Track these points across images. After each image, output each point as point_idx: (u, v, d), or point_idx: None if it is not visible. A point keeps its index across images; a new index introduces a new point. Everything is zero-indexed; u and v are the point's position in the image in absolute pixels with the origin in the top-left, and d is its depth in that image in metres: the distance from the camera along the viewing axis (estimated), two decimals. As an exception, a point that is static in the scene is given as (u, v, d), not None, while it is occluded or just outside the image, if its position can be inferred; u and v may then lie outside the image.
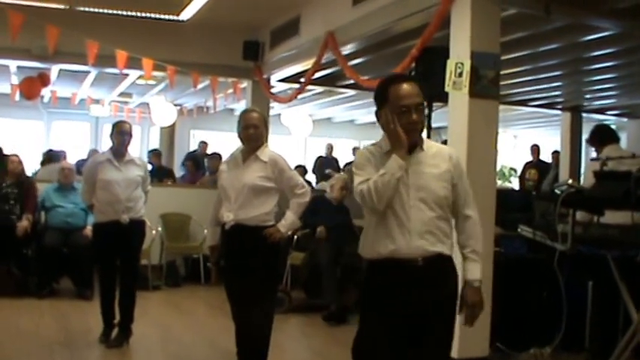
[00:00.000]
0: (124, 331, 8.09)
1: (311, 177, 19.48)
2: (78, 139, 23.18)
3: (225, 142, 20.04)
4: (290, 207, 6.63)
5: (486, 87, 7.28)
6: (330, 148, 21.17)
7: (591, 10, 8.16)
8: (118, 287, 8.14)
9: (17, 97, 15.19)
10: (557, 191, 7.53)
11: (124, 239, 8.01)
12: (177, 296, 11.42)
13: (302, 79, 11.71)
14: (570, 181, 8.40)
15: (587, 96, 14.90)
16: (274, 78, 13.06)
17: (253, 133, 6.47)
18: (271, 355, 6.65)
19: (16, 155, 11.12)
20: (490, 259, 7.39)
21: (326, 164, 19.03)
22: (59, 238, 10.51)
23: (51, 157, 14.23)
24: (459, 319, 4.53)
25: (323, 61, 10.53)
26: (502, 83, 11.82)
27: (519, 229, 8.10)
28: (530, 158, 17.67)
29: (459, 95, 7.35)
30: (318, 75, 11.72)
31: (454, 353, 7.28)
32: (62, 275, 10.93)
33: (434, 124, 9.13)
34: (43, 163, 13.97)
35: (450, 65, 7.40)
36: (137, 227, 8.21)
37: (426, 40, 7.91)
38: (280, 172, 6.47)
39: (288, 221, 6.57)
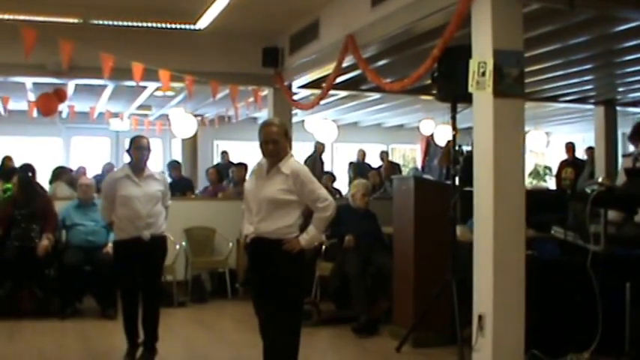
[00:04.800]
0: (149, 350, 7.94)
1: (344, 184, 19.36)
2: (98, 155, 23.07)
3: (249, 152, 19.90)
4: (312, 221, 6.44)
5: (511, 86, 7.06)
6: (363, 153, 20.88)
7: (616, 1, 7.92)
8: (141, 305, 7.96)
9: (35, 113, 15.09)
10: (588, 190, 7.35)
11: (145, 256, 7.85)
12: (204, 312, 11.19)
13: (324, 84, 11.48)
14: (601, 179, 8.21)
15: (621, 89, 14.62)
16: (296, 84, 12.85)
17: (273, 148, 6.37)
18: None
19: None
20: (522, 263, 7.22)
21: (360, 170, 18.81)
22: (81, 257, 10.35)
23: (59, 174, 14.07)
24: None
25: (345, 64, 10.32)
26: (532, 79, 11.75)
27: (552, 231, 7.92)
28: (565, 156, 17.41)
29: (483, 95, 7.15)
30: (341, 79, 11.53)
31: (488, 361, 7.15)
32: (85, 294, 10.75)
33: (462, 125, 8.93)
34: (51, 181, 13.82)
35: (473, 65, 7.19)
36: (159, 243, 8.05)
37: (447, 39, 7.69)
38: (302, 184, 6.34)
39: (310, 235, 6.46)
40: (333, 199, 6.53)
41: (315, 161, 19.32)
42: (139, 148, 7.90)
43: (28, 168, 12.15)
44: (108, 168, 17.04)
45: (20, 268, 10.22)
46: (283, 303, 6.37)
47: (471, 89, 7.24)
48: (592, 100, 15.87)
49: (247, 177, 6.83)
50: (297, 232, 6.41)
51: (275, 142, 6.36)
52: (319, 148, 19.73)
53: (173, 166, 17.19)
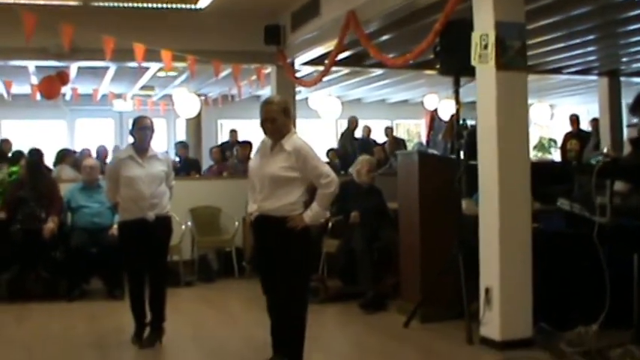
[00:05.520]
0: (156, 330, 7.91)
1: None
2: (103, 136, 23.08)
3: (254, 130, 19.87)
4: (316, 198, 6.43)
5: (513, 58, 7.08)
6: (368, 129, 20.77)
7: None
8: (148, 286, 7.95)
9: (38, 97, 15.09)
10: (593, 161, 7.31)
11: (150, 237, 7.80)
12: (211, 291, 11.21)
13: (327, 61, 11.43)
14: (605, 150, 8.18)
15: (624, 59, 14.56)
16: (298, 61, 12.81)
17: (271, 127, 6.42)
18: (307, 346, 6.63)
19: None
20: (528, 236, 7.22)
21: (365, 146, 18.75)
22: (87, 239, 10.33)
23: (63, 156, 14.09)
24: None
25: (347, 40, 10.29)
26: (535, 52, 11.69)
27: (558, 203, 7.87)
28: (569, 128, 17.38)
29: (485, 68, 7.16)
30: (344, 55, 11.50)
31: (496, 335, 7.13)
32: (92, 276, 10.76)
33: (466, 100, 8.91)
34: (55, 164, 13.82)
35: (475, 38, 7.20)
36: (163, 224, 7.99)
37: (449, 13, 7.68)
38: (304, 161, 6.34)
39: (313, 211, 6.45)
40: (336, 176, 6.52)
41: (349, 137, 19.34)
42: (141, 129, 7.85)
43: (36, 152, 12.14)
44: (102, 150, 17.07)
45: (27, 251, 10.22)
46: (290, 280, 6.38)
47: (473, 62, 7.24)
48: (596, 71, 15.84)
49: (252, 155, 6.83)
50: (302, 209, 6.41)
51: (273, 120, 6.38)
52: (352, 122, 19.70)
53: (181, 145, 17.25)
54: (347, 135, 19.69)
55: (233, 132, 20.13)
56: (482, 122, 7.38)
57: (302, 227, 6.34)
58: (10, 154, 15.19)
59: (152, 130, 7.93)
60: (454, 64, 7.99)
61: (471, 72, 7.53)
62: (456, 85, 8.30)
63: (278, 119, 6.37)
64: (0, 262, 10.41)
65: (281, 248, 6.36)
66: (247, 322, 9.01)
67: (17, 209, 10.40)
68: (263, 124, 6.42)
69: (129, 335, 7.96)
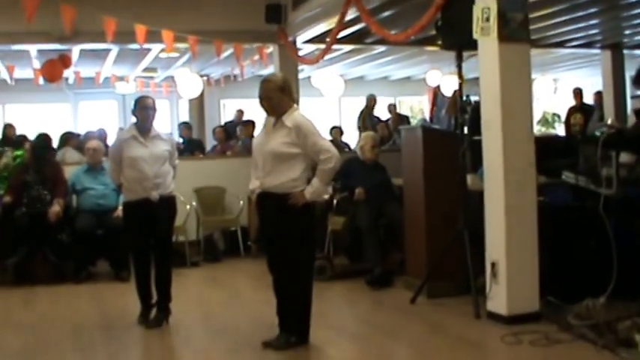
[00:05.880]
0: (163, 310, 7.93)
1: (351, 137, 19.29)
2: (106, 118, 23.05)
3: (257, 110, 19.78)
4: (316, 173, 6.47)
5: (515, 30, 7.05)
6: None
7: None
8: (153, 266, 7.95)
9: (41, 81, 15.08)
10: (598, 133, 7.29)
11: (155, 217, 7.79)
12: (217, 271, 11.22)
13: (329, 39, 11.38)
14: (610, 121, 8.14)
15: (627, 32, 14.46)
16: (300, 40, 12.74)
17: (267, 105, 6.57)
18: (314, 324, 6.73)
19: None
20: (533, 209, 7.20)
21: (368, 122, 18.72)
22: (92, 221, 10.34)
23: (67, 139, 14.06)
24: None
25: (348, 17, 10.23)
26: (537, 25, 11.61)
27: (563, 176, 7.86)
28: (573, 103, 17.32)
29: (488, 41, 7.13)
30: (346, 33, 11.45)
31: (503, 310, 7.12)
32: (98, 258, 10.76)
33: (469, 76, 8.86)
34: (59, 147, 13.79)
35: (477, 10, 7.17)
36: (168, 204, 7.98)
37: (450, -13, 7.64)
38: (304, 137, 6.42)
39: (314, 187, 6.55)
40: (336, 151, 6.54)
41: (367, 116, 19.27)
42: (144, 108, 7.83)
43: (44, 138, 12.12)
44: (102, 133, 17.04)
45: (33, 235, 10.24)
46: (293, 257, 6.41)
47: (475, 35, 7.23)
48: (598, 45, 15.75)
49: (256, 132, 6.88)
50: (304, 186, 6.50)
51: (269, 99, 6.50)
52: (370, 101, 19.61)
53: (185, 126, 17.24)
54: (366, 113, 19.62)
55: (239, 112, 20.10)
56: (486, 95, 7.36)
57: (303, 204, 6.36)
58: (14, 138, 15.21)
59: (154, 110, 7.91)
60: (456, 38, 7.96)
61: (473, 46, 7.50)
62: (459, 60, 8.25)
63: (273, 97, 6.46)
64: (6, 245, 10.43)
65: (283, 225, 6.40)
66: (254, 301, 9.00)
67: (22, 193, 10.39)
68: (260, 103, 6.54)
69: (135, 316, 7.97)
